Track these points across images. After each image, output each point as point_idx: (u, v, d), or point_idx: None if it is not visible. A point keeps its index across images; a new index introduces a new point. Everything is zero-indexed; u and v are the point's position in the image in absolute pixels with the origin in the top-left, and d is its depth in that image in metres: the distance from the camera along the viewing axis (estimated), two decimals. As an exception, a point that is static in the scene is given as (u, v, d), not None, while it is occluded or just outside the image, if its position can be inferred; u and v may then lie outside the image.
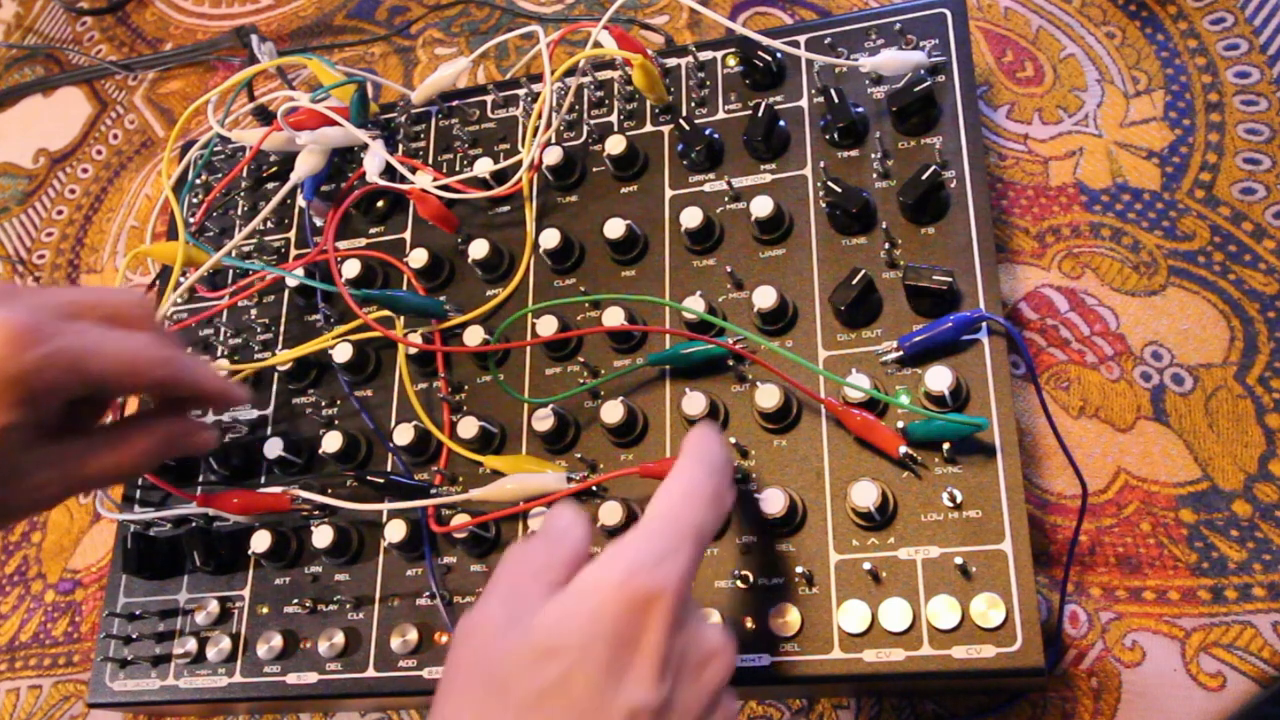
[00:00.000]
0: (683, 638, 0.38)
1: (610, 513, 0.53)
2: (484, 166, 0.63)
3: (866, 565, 0.49)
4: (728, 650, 0.40)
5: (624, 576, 0.37)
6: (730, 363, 0.54)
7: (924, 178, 0.54)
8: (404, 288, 0.64)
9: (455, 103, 0.69)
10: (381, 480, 0.57)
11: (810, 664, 0.49)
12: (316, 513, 0.60)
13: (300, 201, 0.69)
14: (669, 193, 0.61)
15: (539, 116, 0.61)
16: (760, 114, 0.58)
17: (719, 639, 0.40)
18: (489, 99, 0.68)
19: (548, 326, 0.57)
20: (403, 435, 0.58)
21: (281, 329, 0.66)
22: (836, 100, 0.57)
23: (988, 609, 0.47)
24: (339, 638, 0.57)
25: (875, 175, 0.57)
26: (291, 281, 0.65)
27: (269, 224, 0.70)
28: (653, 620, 0.37)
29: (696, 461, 0.43)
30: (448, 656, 0.39)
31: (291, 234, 0.69)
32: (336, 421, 0.62)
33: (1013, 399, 0.50)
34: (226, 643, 0.59)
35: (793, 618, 0.49)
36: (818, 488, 0.52)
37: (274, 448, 0.61)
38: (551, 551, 0.41)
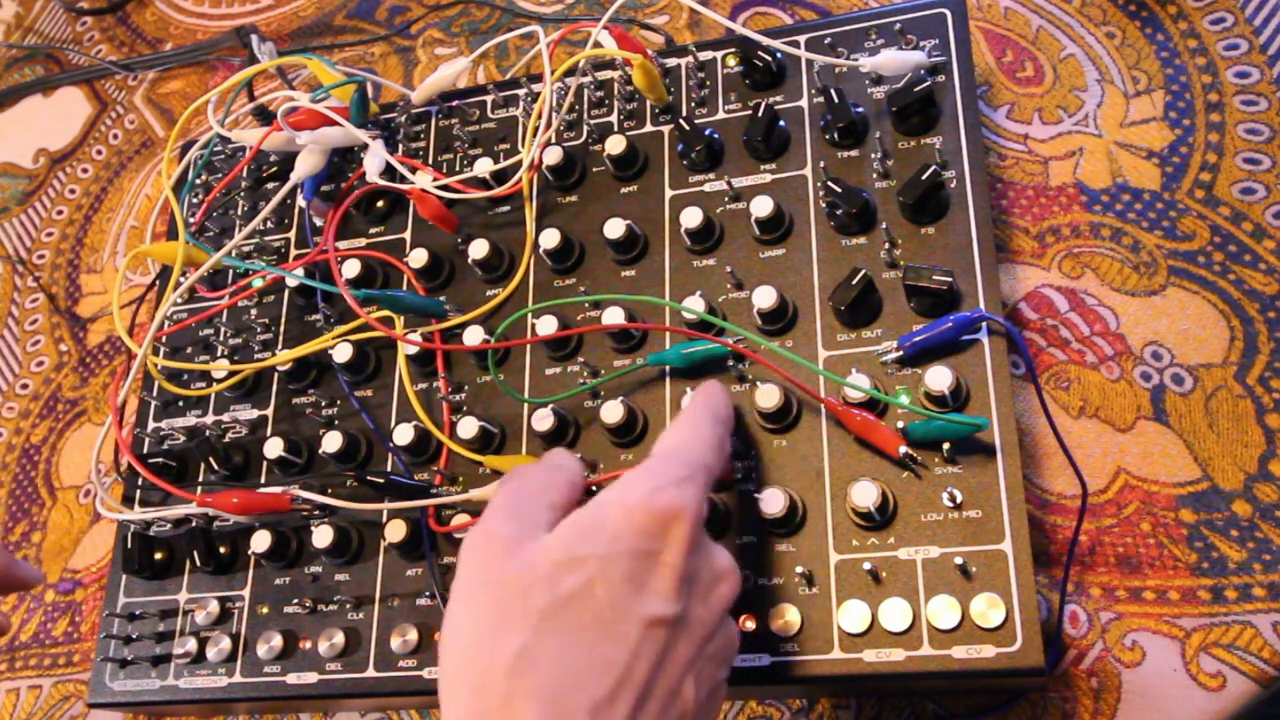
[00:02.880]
0: (697, 557, 0.40)
1: (610, 513, 0.53)
2: (484, 166, 0.63)
3: (866, 565, 0.49)
4: (735, 574, 0.42)
5: (648, 494, 0.39)
6: (730, 363, 0.54)
7: (924, 178, 0.54)
8: (404, 288, 0.64)
9: (455, 103, 0.69)
10: (381, 480, 0.57)
11: (810, 664, 0.49)
12: (316, 513, 0.60)
13: (300, 201, 0.69)
14: (669, 193, 0.61)
15: (539, 116, 0.61)
16: (760, 114, 0.58)
17: (728, 562, 0.42)
18: (489, 99, 0.68)
19: (548, 327, 0.58)
20: (403, 435, 0.58)
21: (281, 329, 0.66)
22: (836, 100, 0.57)
23: (988, 609, 0.47)
24: (339, 638, 0.57)
25: (875, 175, 0.57)
26: (291, 281, 0.65)
27: (269, 224, 0.70)
28: (674, 537, 0.39)
29: (702, 410, 0.46)
30: (456, 571, 0.40)
31: (291, 234, 0.69)
32: (336, 421, 0.62)
33: (1013, 399, 0.50)
34: (226, 643, 0.59)
35: (793, 618, 0.49)
36: (818, 488, 0.52)
37: (274, 448, 0.61)
38: (552, 475, 0.44)
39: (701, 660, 0.39)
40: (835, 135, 0.58)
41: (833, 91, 0.58)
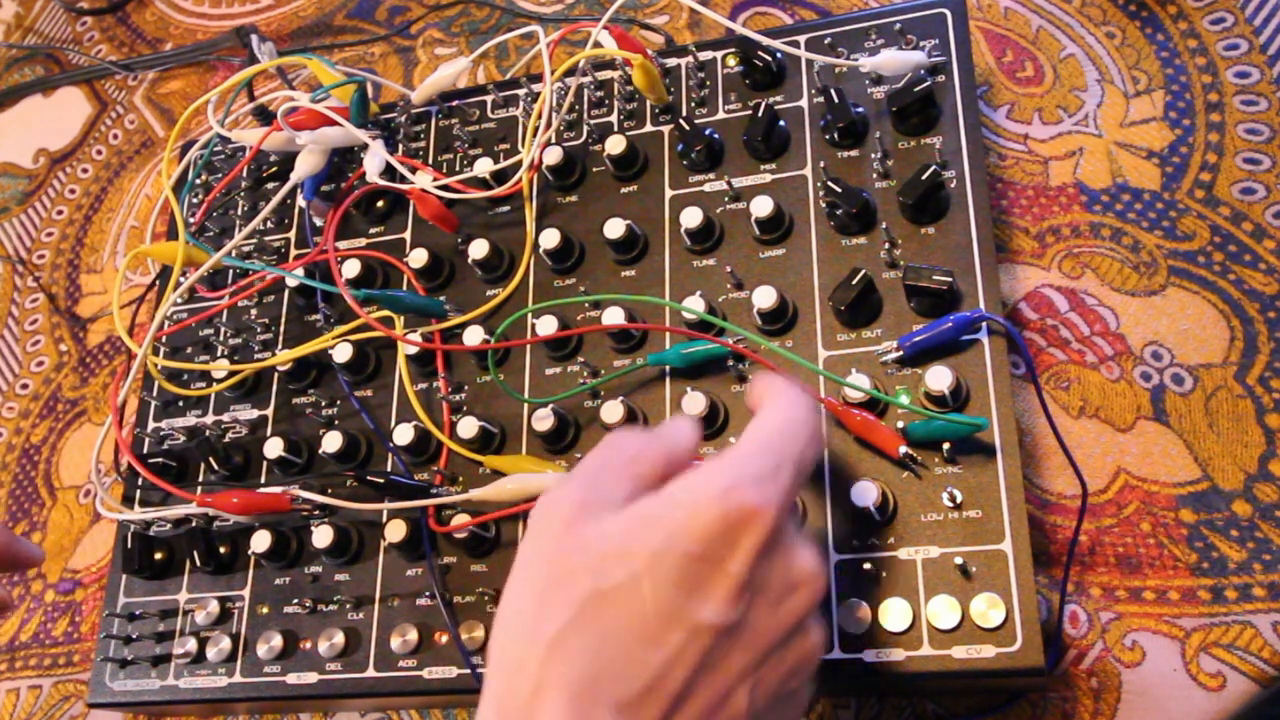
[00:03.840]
0: (770, 563, 0.36)
1: (610, 513, 0.53)
2: (484, 166, 0.63)
3: (867, 565, 0.49)
4: (817, 580, 0.38)
5: (724, 490, 0.36)
6: (730, 363, 0.54)
7: (924, 178, 0.54)
8: (404, 288, 0.64)
9: (455, 103, 0.69)
10: (381, 480, 0.57)
11: (810, 664, 0.49)
12: (316, 513, 0.60)
13: (300, 201, 0.69)
14: (669, 193, 0.61)
15: (539, 116, 0.61)
16: (760, 114, 0.58)
17: (810, 568, 0.38)
18: (489, 99, 0.68)
19: (548, 327, 0.58)
20: (403, 435, 0.58)
21: (281, 329, 0.66)
22: (836, 100, 0.57)
23: (988, 609, 0.47)
24: (339, 638, 0.57)
25: (875, 175, 0.57)
26: (291, 281, 0.65)
27: (269, 224, 0.70)
28: (744, 540, 0.36)
29: (795, 398, 0.41)
30: (526, 531, 0.39)
31: (291, 234, 0.69)
32: (336, 421, 0.62)
33: (1013, 399, 0.50)
34: (226, 643, 0.59)
35: (793, 618, 0.49)
36: (818, 488, 0.52)
37: (274, 448, 0.61)
38: (651, 444, 0.40)
39: (762, 669, 0.37)
40: (835, 135, 0.58)
41: (833, 91, 0.58)
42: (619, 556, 0.36)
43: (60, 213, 0.89)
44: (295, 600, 0.59)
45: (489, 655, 0.38)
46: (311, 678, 0.57)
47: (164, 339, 0.69)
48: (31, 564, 0.55)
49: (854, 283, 0.53)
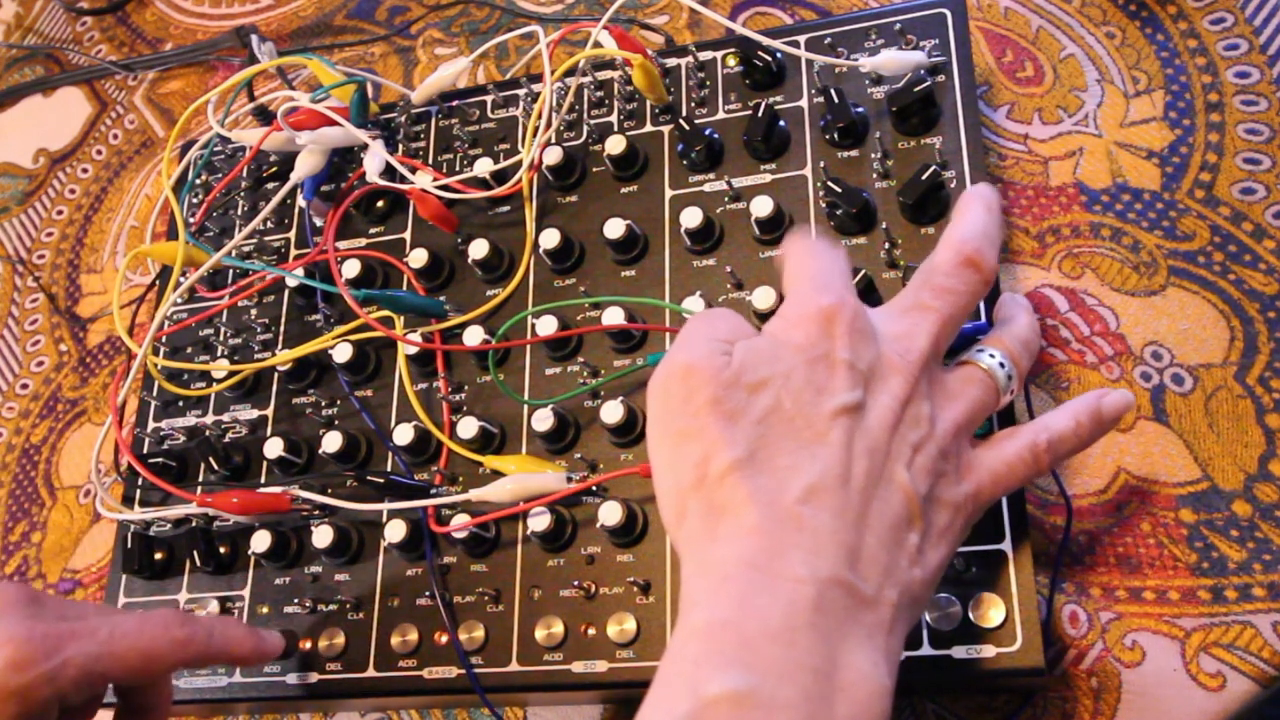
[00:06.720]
0: (865, 346, 0.41)
1: (610, 513, 0.53)
2: (484, 166, 0.63)
3: (866, 565, 0.49)
4: (900, 359, 0.41)
5: (801, 308, 0.42)
6: (730, 363, 0.54)
7: (924, 178, 0.54)
8: (404, 288, 0.64)
9: (455, 103, 0.69)
10: (381, 480, 0.57)
11: (810, 664, 0.48)
12: (316, 513, 0.60)
13: (300, 201, 0.69)
14: (669, 193, 0.61)
15: (539, 116, 0.61)
16: (760, 114, 0.58)
17: (886, 353, 0.42)
18: (489, 99, 0.68)
19: (548, 327, 0.57)
20: (403, 435, 0.58)
21: (281, 329, 0.66)
22: (836, 100, 0.57)
23: (988, 609, 0.47)
24: (339, 638, 0.57)
25: (875, 175, 0.57)
26: (291, 281, 0.65)
27: (269, 224, 0.70)
28: (835, 330, 0.41)
29: (799, 240, 0.46)
30: (650, 406, 0.42)
31: (291, 234, 0.69)
32: (336, 421, 0.62)
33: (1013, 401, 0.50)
34: (226, 643, 0.59)
35: (793, 618, 0.49)
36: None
37: (274, 448, 0.61)
38: (722, 311, 0.45)
39: (905, 443, 0.40)
40: (835, 135, 0.58)
41: (833, 91, 0.58)
42: (759, 386, 0.40)
43: (60, 213, 0.89)
44: (295, 600, 0.59)
45: (665, 511, 0.41)
46: (311, 678, 0.57)
47: (164, 339, 0.69)
48: (276, 655, 0.55)
49: (854, 283, 0.53)
